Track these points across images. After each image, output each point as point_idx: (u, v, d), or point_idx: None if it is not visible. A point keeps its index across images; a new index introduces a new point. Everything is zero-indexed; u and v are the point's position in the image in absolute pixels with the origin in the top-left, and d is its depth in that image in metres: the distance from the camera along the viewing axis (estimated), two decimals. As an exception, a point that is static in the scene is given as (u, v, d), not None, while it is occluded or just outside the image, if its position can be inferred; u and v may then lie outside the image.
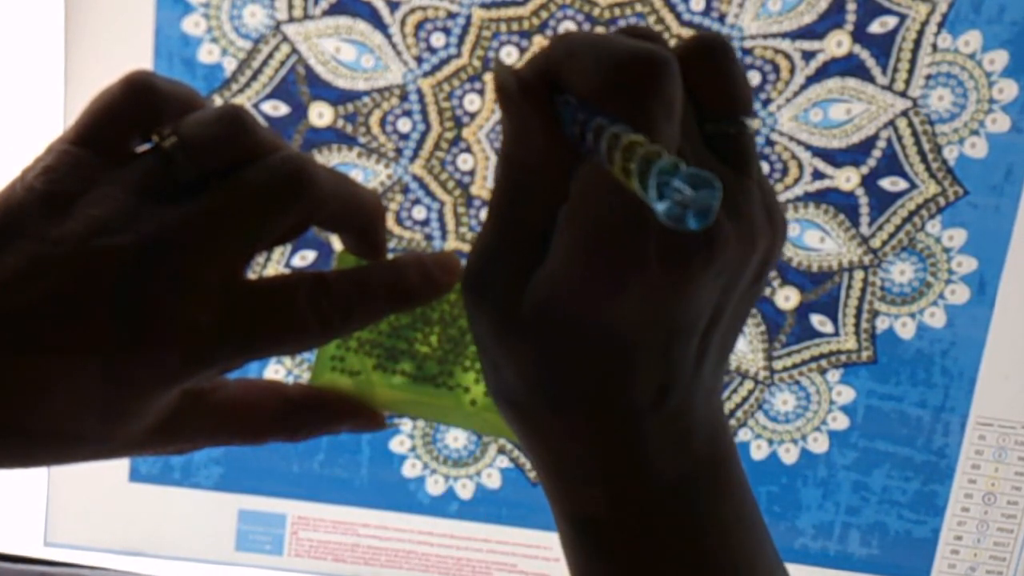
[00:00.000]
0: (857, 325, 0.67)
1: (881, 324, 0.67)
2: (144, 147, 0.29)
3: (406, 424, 0.68)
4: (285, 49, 0.63)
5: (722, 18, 0.63)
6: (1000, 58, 0.62)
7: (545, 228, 0.28)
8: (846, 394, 0.68)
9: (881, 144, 0.64)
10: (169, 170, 0.27)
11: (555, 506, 0.30)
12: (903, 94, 0.64)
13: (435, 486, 0.69)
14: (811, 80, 0.63)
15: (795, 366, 0.67)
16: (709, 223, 0.20)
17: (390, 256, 0.32)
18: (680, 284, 0.26)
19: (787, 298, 0.67)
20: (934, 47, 0.63)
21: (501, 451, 0.68)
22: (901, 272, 0.66)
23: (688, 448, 0.29)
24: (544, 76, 0.27)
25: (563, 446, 0.29)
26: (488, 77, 0.64)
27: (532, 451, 0.30)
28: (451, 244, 0.66)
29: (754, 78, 0.64)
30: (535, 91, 0.27)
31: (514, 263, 0.28)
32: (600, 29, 0.63)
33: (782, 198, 0.65)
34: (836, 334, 0.67)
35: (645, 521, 0.29)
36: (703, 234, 0.25)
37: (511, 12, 0.63)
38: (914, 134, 0.64)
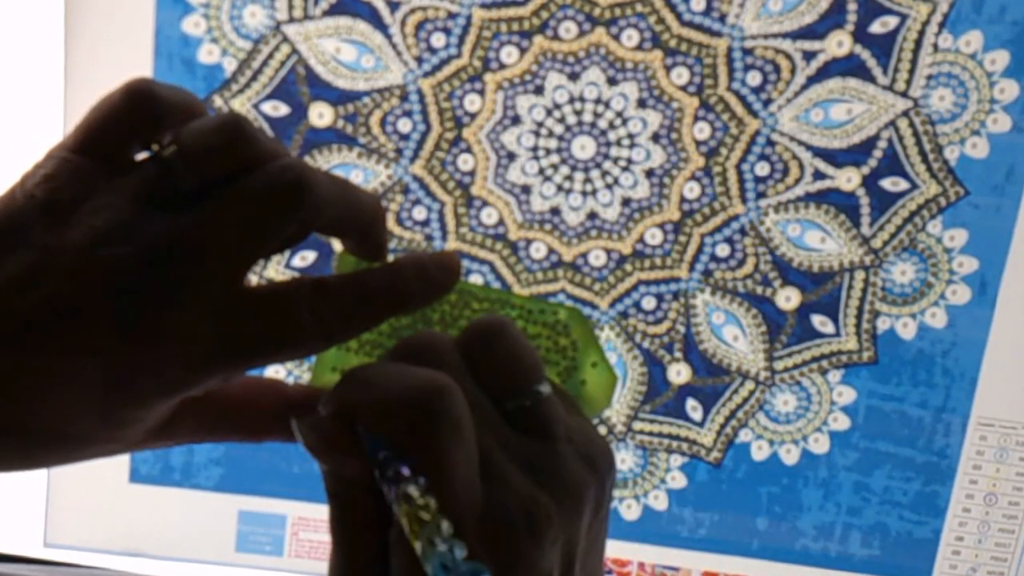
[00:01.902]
0: (858, 325, 0.67)
1: (882, 324, 0.67)
2: (144, 155, 0.28)
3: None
4: (285, 49, 0.63)
5: (723, 18, 0.63)
6: (1001, 58, 0.62)
7: (383, 551, 0.28)
8: (847, 395, 0.68)
9: (882, 144, 0.64)
10: (169, 179, 0.27)
11: None
12: (904, 94, 0.63)
13: (435, 487, 0.69)
14: (812, 80, 0.63)
15: (796, 367, 0.67)
16: None
17: (391, 257, 0.32)
18: (520, 571, 0.26)
19: (788, 298, 0.66)
20: (935, 47, 0.63)
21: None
22: (902, 272, 0.66)
23: None
24: (344, 416, 0.28)
25: None
26: (489, 77, 0.64)
27: None
28: (451, 244, 0.66)
29: (754, 78, 0.64)
30: (336, 438, 0.28)
31: None
32: (600, 29, 0.63)
33: (783, 198, 0.65)
34: (837, 334, 0.67)
35: None
36: (524, 519, 0.26)
37: (511, 12, 0.63)
38: (915, 134, 0.64)
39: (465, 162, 0.65)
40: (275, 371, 0.67)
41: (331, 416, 0.28)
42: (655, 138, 0.65)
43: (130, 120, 0.28)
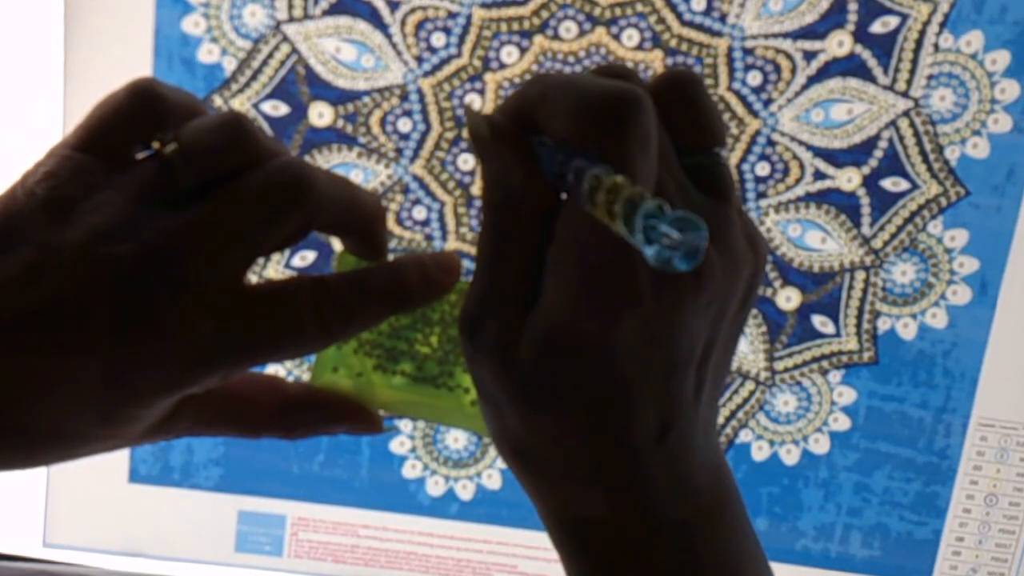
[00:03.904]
0: (858, 326, 0.67)
1: (883, 325, 0.67)
2: (145, 154, 0.28)
3: (406, 425, 0.68)
4: (285, 49, 0.63)
5: (723, 18, 0.63)
6: (1002, 58, 0.62)
7: (535, 269, 0.28)
8: (847, 395, 0.67)
9: (883, 144, 0.64)
10: (170, 177, 0.27)
11: (561, 541, 0.30)
12: (905, 94, 0.63)
13: (435, 487, 0.69)
14: (812, 80, 0.63)
15: (796, 367, 0.67)
16: (697, 264, 0.21)
17: (391, 257, 0.32)
18: (673, 316, 0.26)
19: (788, 299, 0.66)
20: (936, 47, 0.62)
21: (501, 452, 0.68)
22: (903, 273, 0.66)
23: (690, 488, 0.28)
24: (518, 119, 0.27)
25: (566, 490, 0.29)
26: (489, 77, 0.64)
27: (537, 497, 0.30)
28: (451, 244, 0.65)
29: (755, 78, 0.64)
30: (510, 134, 0.27)
31: (508, 307, 0.28)
32: (601, 29, 0.63)
33: (783, 198, 0.65)
34: (837, 335, 0.67)
35: (648, 563, 0.28)
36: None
37: (511, 12, 0.63)
38: (916, 134, 0.64)
39: (465, 162, 0.65)
40: (275, 371, 0.67)
41: (507, 113, 0.27)
42: (655, 138, 0.64)
43: (134, 119, 0.28)
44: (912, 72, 0.63)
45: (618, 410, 0.27)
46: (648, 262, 0.21)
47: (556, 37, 0.63)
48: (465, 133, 0.64)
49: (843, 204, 0.65)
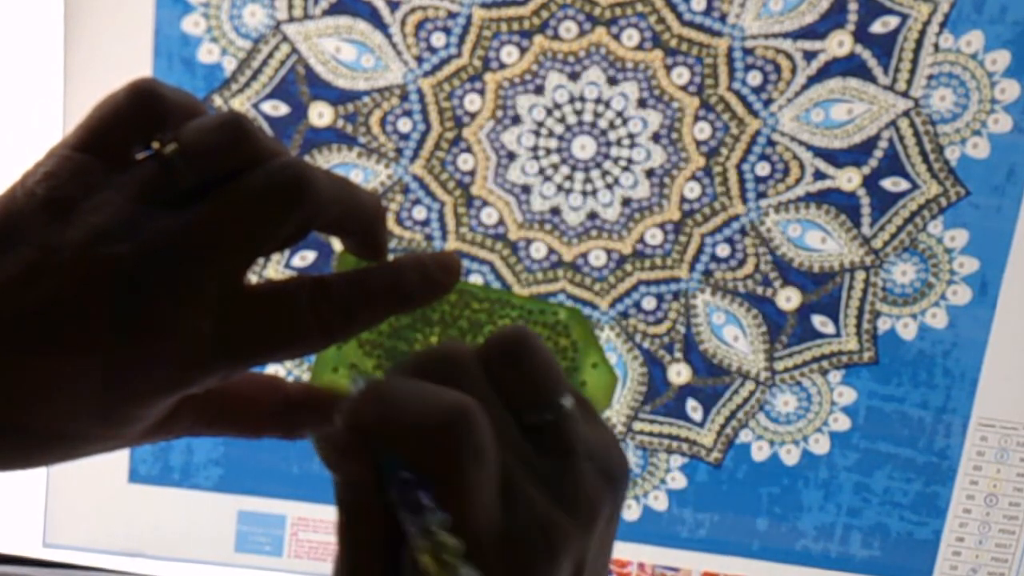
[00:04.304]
0: (859, 326, 0.67)
1: (883, 325, 0.66)
2: (145, 154, 0.28)
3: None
4: (285, 49, 0.63)
5: (723, 18, 0.63)
6: (1002, 58, 0.62)
7: (391, 564, 0.28)
8: (847, 395, 0.67)
9: (883, 144, 0.64)
10: (170, 177, 0.27)
11: None
12: (905, 94, 0.63)
13: (435, 487, 0.69)
14: (813, 80, 0.63)
15: (796, 367, 0.67)
16: None
17: (391, 257, 0.32)
18: None
19: (788, 299, 0.66)
20: (936, 47, 0.62)
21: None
22: (903, 273, 0.66)
23: None
24: (363, 438, 0.27)
25: None
26: (489, 77, 0.64)
27: None
28: (451, 244, 0.65)
29: (755, 78, 0.63)
30: (353, 452, 0.28)
31: None
32: (601, 29, 0.63)
33: (783, 198, 0.65)
34: (837, 335, 0.67)
35: None
36: (542, 540, 0.26)
37: (511, 12, 0.63)
38: (916, 134, 0.64)
39: (465, 162, 0.65)
40: (275, 371, 0.67)
41: (348, 430, 0.28)
42: (655, 138, 0.64)
43: (134, 119, 0.28)
44: (912, 72, 0.63)
45: None
46: None
47: (556, 37, 0.63)
48: (465, 133, 0.64)
49: (843, 204, 0.65)
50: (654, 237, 0.66)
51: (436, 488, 0.26)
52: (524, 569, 0.26)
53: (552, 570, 0.27)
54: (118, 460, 0.68)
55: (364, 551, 0.28)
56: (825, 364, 0.67)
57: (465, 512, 0.26)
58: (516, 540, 0.26)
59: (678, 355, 0.67)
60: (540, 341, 0.29)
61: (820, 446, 0.68)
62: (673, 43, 0.63)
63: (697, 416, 0.68)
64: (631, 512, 0.70)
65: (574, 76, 0.64)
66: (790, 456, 0.68)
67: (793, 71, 0.63)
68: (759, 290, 0.66)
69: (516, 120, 0.64)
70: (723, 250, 0.66)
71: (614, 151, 0.65)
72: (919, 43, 0.62)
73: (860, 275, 0.66)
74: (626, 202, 0.65)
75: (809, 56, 0.63)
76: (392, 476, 0.27)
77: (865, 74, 0.63)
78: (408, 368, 0.29)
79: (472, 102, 0.64)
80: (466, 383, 0.28)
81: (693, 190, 0.65)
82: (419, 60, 0.63)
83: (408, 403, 0.27)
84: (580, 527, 0.27)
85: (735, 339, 0.67)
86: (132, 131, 0.28)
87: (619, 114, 0.64)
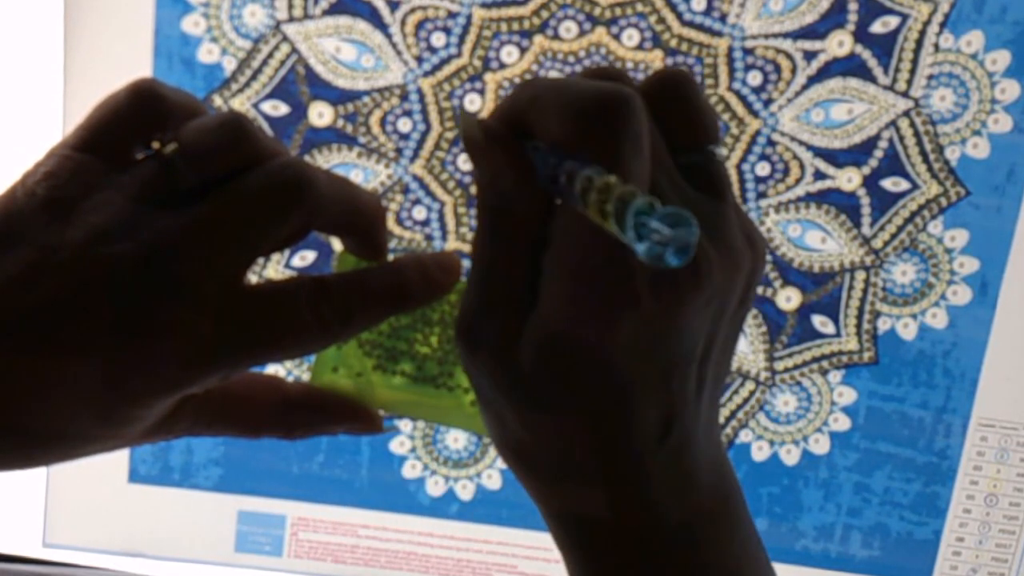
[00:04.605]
0: (859, 326, 0.67)
1: (883, 325, 0.66)
2: (145, 154, 0.28)
3: (406, 425, 0.68)
4: (285, 49, 0.63)
5: (723, 18, 0.63)
6: (1002, 58, 0.62)
7: (531, 274, 0.27)
8: (847, 395, 0.67)
9: (883, 144, 0.64)
10: (170, 177, 0.27)
11: (563, 541, 0.30)
12: (905, 94, 0.63)
13: (435, 487, 0.69)
14: (813, 80, 0.63)
15: (796, 367, 0.67)
16: (689, 259, 0.21)
17: (391, 257, 0.32)
18: (673, 315, 0.26)
19: (788, 299, 0.66)
20: (936, 47, 0.62)
21: (501, 452, 0.68)
22: (903, 273, 0.66)
23: (694, 487, 0.28)
24: (510, 123, 0.27)
25: (568, 491, 0.29)
26: (489, 77, 0.64)
27: (539, 498, 0.30)
28: (451, 244, 0.65)
29: (755, 78, 0.63)
30: (503, 138, 0.27)
31: (505, 312, 0.28)
32: (601, 29, 0.63)
33: (783, 198, 0.65)
34: (837, 335, 0.67)
35: (651, 563, 0.28)
36: (689, 263, 0.25)
37: (512, 12, 0.63)
38: (916, 134, 0.64)
39: (465, 162, 0.65)
40: (274, 371, 0.67)
41: (501, 118, 0.27)
42: (655, 138, 0.64)
43: (135, 119, 0.28)
44: (912, 72, 0.63)
45: (619, 411, 0.27)
46: (640, 259, 0.21)
47: (556, 37, 0.63)
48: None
49: (843, 204, 0.65)
50: (654, 237, 0.66)
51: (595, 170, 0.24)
52: (669, 285, 0.26)
53: (697, 298, 0.26)
54: (118, 460, 0.68)
55: (508, 245, 0.27)
56: (825, 364, 0.67)
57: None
58: None
59: (678, 355, 0.67)
60: (699, 87, 0.29)
61: (820, 446, 0.68)
62: (673, 43, 0.63)
63: (697, 416, 0.68)
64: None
65: (574, 76, 0.63)
66: (790, 456, 0.68)
67: (793, 71, 0.63)
68: (759, 290, 0.66)
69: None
70: (723, 250, 0.66)
71: (614, 151, 0.65)
72: (919, 43, 0.62)
73: (860, 275, 0.66)
74: (626, 202, 0.65)
75: (809, 56, 0.63)
76: (546, 162, 0.26)
77: (865, 74, 0.63)
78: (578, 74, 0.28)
79: (472, 102, 0.64)
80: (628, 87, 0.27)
81: (693, 190, 0.65)
82: (419, 60, 0.63)
83: (567, 87, 0.26)
84: (724, 269, 0.26)
85: (735, 339, 0.67)
86: (132, 131, 0.28)
87: (619, 114, 0.64)
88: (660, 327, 0.26)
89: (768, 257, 0.65)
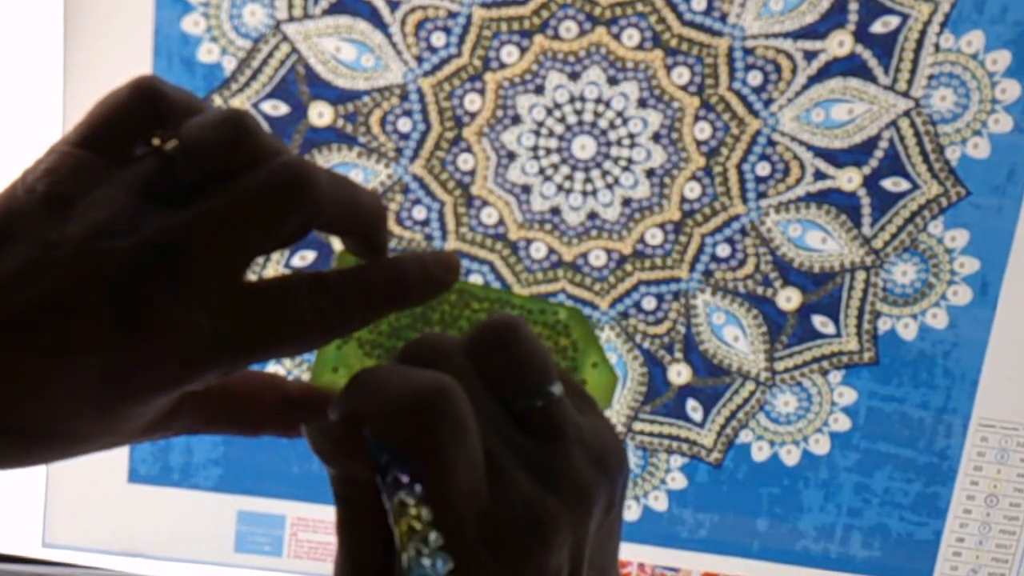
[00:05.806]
0: (859, 326, 0.67)
1: (883, 325, 0.66)
2: (145, 151, 0.28)
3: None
4: (285, 48, 0.63)
5: (724, 17, 0.63)
6: (1003, 58, 0.62)
7: (390, 554, 0.28)
8: (848, 395, 0.67)
9: (883, 144, 0.64)
10: (170, 173, 0.27)
11: None
12: (905, 94, 0.63)
13: (435, 487, 0.69)
14: (813, 80, 0.63)
15: (796, 367, 0.67)
16: None
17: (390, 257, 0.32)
18: (520, 572, 0.26)
19: (789, 299, 0.66)
20: (936, 47, 0.62)
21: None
22: (903, 273, 0.66)
23: None
24: (351, 423, 0.28)
25: None
26: (489, 76, 0.64)
27: None
28: (451, 244, 0.65)
29: (756, 78, 0.63)
30: (345, 443, 0.28)
31: None
32: (601, 29, 0.63)
33: (784, 198, 0.65)
34: (838, 335, 0.67)
35: None
36: (531, 522, 0.26)
37: (512, 11, 0.63)
38: (916, 134, 0.64)
39: (465, 162, 0.65)
40: (274, 371, 0.67)
41: (339, 420, 0.28)
42: (656, 138, 0.64)
43: (135, 116, 0.28)
44: (913, 72, 0.63)
45: None
46: None
47: (556, 37, 0.63)
48: (465, 132, 0.64)
49: (843, 204, 0.65)
50: (654, 237, 0.66)
51: (415, 465, 0.26)
52: (513, 548, 0.26)
53: (543, 554, 0.26)
54: (118, 460, 0.68)
55: (362, 547, 0.28)
56: (825, 364, 0.67)
57: (444, 488, 0.25)
58: (503, 523, 0.26)
59: (678, 355, 0.67)
60: (527, 328, 0.29)
61: (820, 446, 0.68)
62: (673, 43, 0.63)
63: (697, 416, 0.68)
64: (631, 512, 0.70)
65: (574, 76, 0.63)
66: (790, 456, 0.68)
67: (793, 71, 0.63)
68: (759, 290, 0.66)
69: (516, 120, 0.64)
70: (723, 250, 0.66)
71: (614, 151, 0.65)
72: (919, 43, 0.62)
73: (860, 275, 0.66)
74: (626, 202, 0.65)
75: (809, 56, 0.63)
76: (377, 461, 0.27)
77: (865, 74, 0.63)
78: (395, 358, 0.29)
79: (472, 102, 0.64)
80: (449, 368, 0.28)
81: (693, 190, 0.65)
82: (419, 60, 0.63)
83: (388, 384, 0.27)
84: (571, 511, 0.27)
85: (735, 339, 0.67)
86: (133, 128, 0.28)
87: (619, 114, 0.64)
88: None
89: (769, 258, 0.65)
